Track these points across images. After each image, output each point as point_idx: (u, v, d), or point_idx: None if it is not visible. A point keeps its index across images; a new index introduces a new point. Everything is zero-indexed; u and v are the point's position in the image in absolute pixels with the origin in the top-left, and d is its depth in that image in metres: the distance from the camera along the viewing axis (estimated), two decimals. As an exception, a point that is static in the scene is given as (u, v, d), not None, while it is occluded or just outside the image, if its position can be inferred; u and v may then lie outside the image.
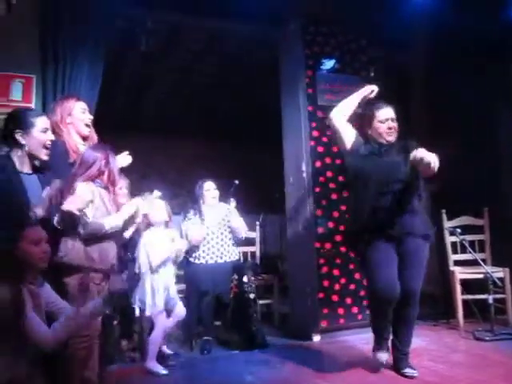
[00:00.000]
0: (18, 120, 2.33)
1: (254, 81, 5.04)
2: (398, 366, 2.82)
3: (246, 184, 5.12)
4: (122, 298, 2.66)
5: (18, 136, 2.30)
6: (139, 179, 6.86)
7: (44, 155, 2.36)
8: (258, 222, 4.84)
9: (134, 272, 3.11)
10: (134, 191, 3.27)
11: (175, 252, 3.16)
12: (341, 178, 3.88)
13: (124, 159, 2.92)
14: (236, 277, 3.64)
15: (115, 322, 3.19)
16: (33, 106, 3.24)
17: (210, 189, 3.91)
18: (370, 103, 2.98)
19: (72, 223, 2.29)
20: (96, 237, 2.36)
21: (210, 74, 5.22)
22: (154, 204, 3.11)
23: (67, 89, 3.26)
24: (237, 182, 4.55)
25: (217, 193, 3.92)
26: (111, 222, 2.41)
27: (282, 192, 4.28)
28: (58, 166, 2.65)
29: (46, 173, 2.44)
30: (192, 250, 3.77)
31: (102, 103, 3.37)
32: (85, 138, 2.85)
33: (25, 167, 2.34)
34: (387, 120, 2.85)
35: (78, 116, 2.75)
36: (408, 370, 2.77)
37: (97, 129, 2.90)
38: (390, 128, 2.84)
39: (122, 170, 2.85)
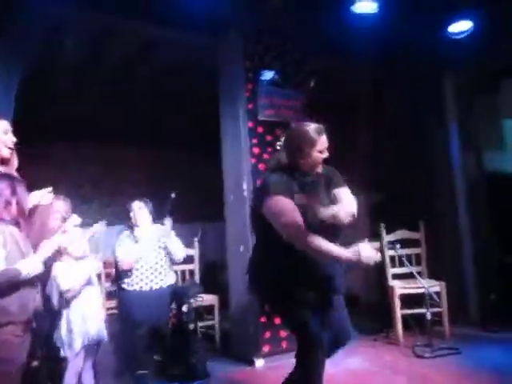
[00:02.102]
0: None
1: (191, 90, 4.81)
2: None
3: (184, 193, 4.95)
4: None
5: None
6: (75, 188, 6.52)
7: None
8: (196, 239, 4.63)
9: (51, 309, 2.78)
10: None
11: (87, 276, 2.83)
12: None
13: (44, 196, 2.61)
14: (174, 306, 3.41)
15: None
16: None
17: (133, 209, 3.62)
18: (303, 125, 2.37)
19: None
20: (12, 285, 2.07)
21: (144, 83, 4.92)
22: (72, 235, 2.78)
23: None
24: (173, 195, 4.33)
25: (141, 213, 3.61)
26: (28, 266, 2.12)
27: (221, 202, 4.11)
28: None
29: None
30: (124, 275, 3.49)
31: (31, 112, 3.04)
32: (3, 161, 2.54)
33: None
34: (325, 149, 2.35)
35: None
36: None
37: (26, 138, 2.57)
38: (326, 160, 2.37)
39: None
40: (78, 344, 2.72)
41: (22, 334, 2.13)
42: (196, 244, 4.58)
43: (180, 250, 3.63)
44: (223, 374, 3.51)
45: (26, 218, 2.23)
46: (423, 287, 3.76)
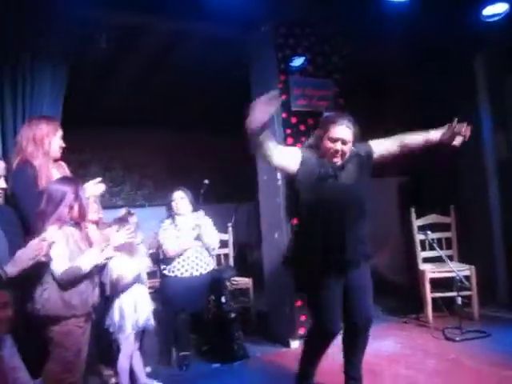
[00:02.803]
0: None
1: (223, 80, 4.88)
2: None
3: (216, 176, 5.10)
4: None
5: None
6: (103, 171, 6.74)
7: None
8: (229, 224, 4.78)
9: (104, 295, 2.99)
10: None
11: (140, 271, 3.04)
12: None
13: (96, 187, 2.80)
14: (213, 297, 3.58)
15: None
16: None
17: (175, 199, 3.77)
18: (331, 115, 2.60)
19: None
20: (75, 281, 2.25)
21: (176, 72, 5.00)
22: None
23: (28, 109, 3.03)
24: (207, 181, 4.47)
25: (182, 202, 3.75)
26: (87, 261, 2.30)
27: (252, 188, 4.21)
28: (25, 196, 2.53)
29: (4, 214, 2.27)
30: (166, 261, 3.68)
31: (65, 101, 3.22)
32: (54, 162, 2.74)
33: None
34: (337, 140, 2.44)
35: (57, 140, 2.73)
36: None
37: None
38: (335, 151, 2.45)
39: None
40: (128, 329, 2.93)
41: (83, 325, 2.33)
42: (230, 229, 4.72)
43: (213, 242, 3.77)
44: (261, 355, 3.70)
45: (85, 222, 2.38)
46: (453, 271, 3.85)
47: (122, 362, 2.96)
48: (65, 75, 3.16)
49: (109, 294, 2.99)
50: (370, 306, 2.62)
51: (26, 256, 2.07)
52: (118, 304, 2.94)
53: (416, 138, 2.60)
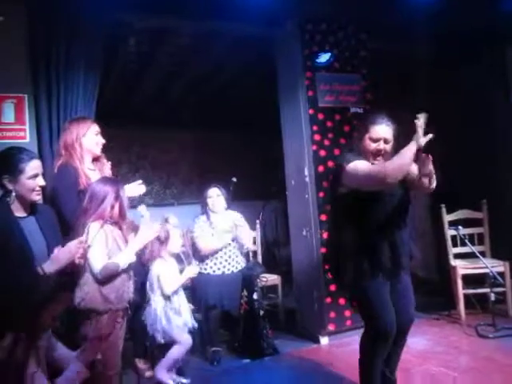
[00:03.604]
0: (6, 164, 2.19)
1: (250, 78, 4.93)
2: None
3: (244, 174, 5.15)
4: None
5: (6, 181, 2.17)
6: (133, 171, 6.89)
7: (35, 197, 2.22)
8: (257, 221, 4.81)
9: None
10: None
11: (184, 280, 3.13)
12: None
13: (137, 189, 2.90)
14: (246, 293, 3.62)
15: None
16: (27, 127, 3.10)
17: (211, 196, 3.82)
18: (367, 114, 2.67)
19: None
20: (112, 277, 2.33)
21: (204, 69, 5.07)
22: (172, 233, 3.07)
23: (62, 106, 3.13)
24: (234, 179, 4.53)
25: (219, 200, 3.81)
26: (124, 259, 2.37)
27: (279, 184, 4.23)
28: (66, 195, 2.63)
29: (43, 213, 2.34)
30: (199, 258, 3.73)
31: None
32: (95, 159, 2.83)
33: (18, 211, 2.21)
34: (379, 140, 2.44)
35: (92, 137, 2.80)
36: None
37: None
38: (378, 150, 2.44)
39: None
40: (175, 334, 3.02)
41: (120, 320, 2.41)
42: (258, 226, 4.76)
43: (248, 241, 3.83)
44: (290, 350, 3.73)
45: (124, 220, 2.45)
46: (486, 267, 3.77)
47: (177, 353, 3.04)
48: (96, 78, 3.24)
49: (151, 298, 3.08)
50: (412, 305, 2.62)
51: (63, 256, 2.15)
52: (161, 309, 3.01)
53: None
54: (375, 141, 2.44)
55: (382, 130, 2.44)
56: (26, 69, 3.08)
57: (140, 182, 2.91)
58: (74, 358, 1.96)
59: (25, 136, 3.10)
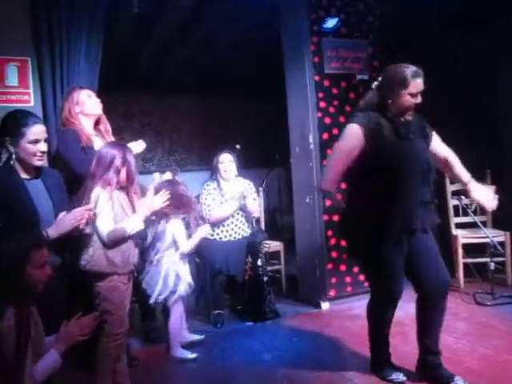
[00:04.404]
0: (9, 127, 2.21)
1: (255, 41, 4.84)
2: (442, 376, 2.43)
3: (247, 141, 5.14)
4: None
5: (7, 144, 2.19)
6: (136, 137, 6.86)
7: (36, 162, 2.23)
8: (261, 188, 4.82)
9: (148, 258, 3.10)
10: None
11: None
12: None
13: (138, 146, 2.92)
14: (250, 259, 3.67)
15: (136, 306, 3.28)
16: (31, 90, 3.11)
17: (224, 161, 3.78)
18: (400, 65, 2.30)
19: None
20: (119, 241, 2.37)
21: (206, 33, 4.98)
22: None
23: (66, 69, 3.11)
24: (238, 146, 4.53)
25: (232, 166, 3.79)
26: (132, 225, 2.40)
27: (282, 152, 4.23)
28: (69, 154, 2.67)
29: (49, 177, 2.37)
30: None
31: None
32: (97, 124, 2.83)
33: (23, 174, 2.23)
34: (418, 94, 2.28)
35: (84, 100, 2.80)
36: (458, 380, 2.38)
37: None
38: (417, 105, 2.31)
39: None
40: (173, 297, 3.04)
41: (126, 282, 2.46)
42: (261, 193, 4.78)
43: (256, 209, 3.85)
44: (292, 315, 3.82)
45: (132, 186, 2.46)
46: (487, 237, 3.81)
47: (175, 324, 3.08)
48: (100, 38, 3.20)
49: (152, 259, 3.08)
50: (443, 267, 2.44)
51: (68, 221, 2.18)
52: (161, 271, 3.01)
53: (457, 171, 2.56)
54: (415, 95, 2.28)
55: (422, 83, 2.28)
56: (28, 32, 3.05)
57: (140, 141, 2.93)
58: (50, 344, 1.90)
59: (29, 100, 3.10)
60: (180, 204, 2.99)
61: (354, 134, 2.32)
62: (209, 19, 4.64)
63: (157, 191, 2.66)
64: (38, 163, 2.25)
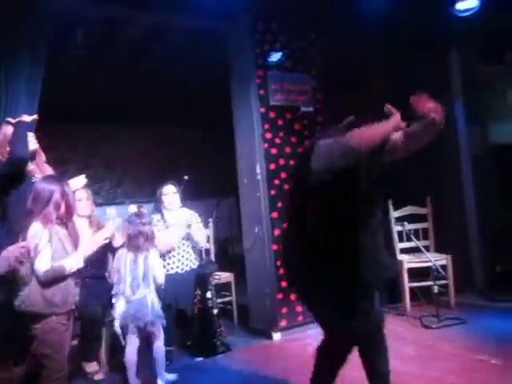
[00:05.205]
0: None
1: (203, 74, 4.89)
2: None
3: (196, 171, 5.12)
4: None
5: None
6: (83, 169, 6.68)
7: None
8: (210, 219, 4.79)
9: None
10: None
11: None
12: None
13: (78, 181, 2.85)
14: (199, 292, 3.61)
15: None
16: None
17: (168, 193, 3.74)
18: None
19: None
20: (57, 280, 2.26)
21: (153, 67, 4.99)
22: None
23: (3, 111, 3.00)
24: (186, 177, 4.49)
25: (175, 197, 3.74)
26: (72, 263, 2.31)
27: (233, 182, 4.27)
28: None
29: None
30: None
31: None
32: (33, 155, 2.75)
33: None
34: None
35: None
36: None
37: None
38: None
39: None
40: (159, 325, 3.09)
41: (66, 323, 2.34)
42: (211, 224, 4.75)
43: (202, 239, 3.79)
44: (244, 348, 3.75)
45: (72, 218, 2.39)
46: (430, 261, 3.95)
47: (162, 350, 3.10)
48: (41, 72, 3.12)
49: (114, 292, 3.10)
50: None
51: (3, 261, 2.08)
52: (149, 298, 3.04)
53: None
54: None
55: None
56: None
57: (83, 175, 2.93)
58: None
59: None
60: (148, 238, 3.12)
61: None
62: (159, 50, 4.65)
63: (127, 223, 2.93)
64: None
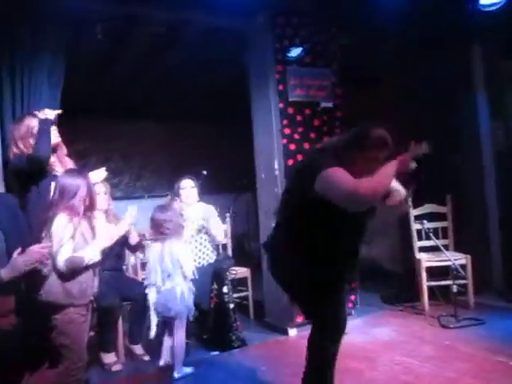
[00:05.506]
0: None
1: (222, 70, 4.89)
2: None
3: (215, 166, 5.14)
4: None
5: None
6: (102, 162, 6.77)
7: None
8: (227, 214, 4.81)
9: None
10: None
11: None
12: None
13: (99, 174, 2.88)
14: (216, 286, 3.62)
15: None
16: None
17: (185, 187, 3.77)
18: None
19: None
20: (76, 271, 2.30)
21: (174, 59, 5.00)
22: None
23: (27, 91, 3.05)
24: (205, 172, 4.50)
25: (193, 192, 3.77)
26: (90, 254, 2.33)
27: (250, 177, 4.28)
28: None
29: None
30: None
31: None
32: (54, 149, 2.77)
33: None
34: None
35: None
36: None
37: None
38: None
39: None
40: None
41: (84, 314, 2.38)
42: (228, 219, 4.76)
43: (220, 234, 3.79)
44: (259, 343, 3.77)
45: (94, 210, 2.43)
46: (449, 260, 3.89)
47: (182, 343, 3.17)
48: (63, 64, 3.17)
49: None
50: None
51: (22, 262, 2.12)
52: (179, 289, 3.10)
53: None
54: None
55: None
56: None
57: (102, 169, 2.93)
58: None
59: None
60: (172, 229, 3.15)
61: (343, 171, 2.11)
62: (177, 47, 4.66)
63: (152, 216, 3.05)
64: None
